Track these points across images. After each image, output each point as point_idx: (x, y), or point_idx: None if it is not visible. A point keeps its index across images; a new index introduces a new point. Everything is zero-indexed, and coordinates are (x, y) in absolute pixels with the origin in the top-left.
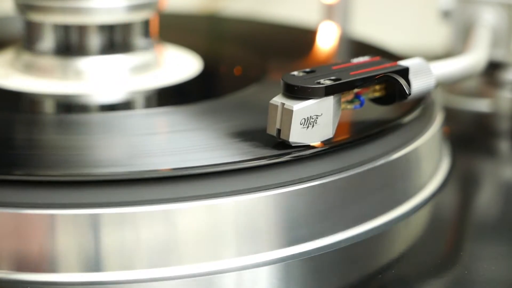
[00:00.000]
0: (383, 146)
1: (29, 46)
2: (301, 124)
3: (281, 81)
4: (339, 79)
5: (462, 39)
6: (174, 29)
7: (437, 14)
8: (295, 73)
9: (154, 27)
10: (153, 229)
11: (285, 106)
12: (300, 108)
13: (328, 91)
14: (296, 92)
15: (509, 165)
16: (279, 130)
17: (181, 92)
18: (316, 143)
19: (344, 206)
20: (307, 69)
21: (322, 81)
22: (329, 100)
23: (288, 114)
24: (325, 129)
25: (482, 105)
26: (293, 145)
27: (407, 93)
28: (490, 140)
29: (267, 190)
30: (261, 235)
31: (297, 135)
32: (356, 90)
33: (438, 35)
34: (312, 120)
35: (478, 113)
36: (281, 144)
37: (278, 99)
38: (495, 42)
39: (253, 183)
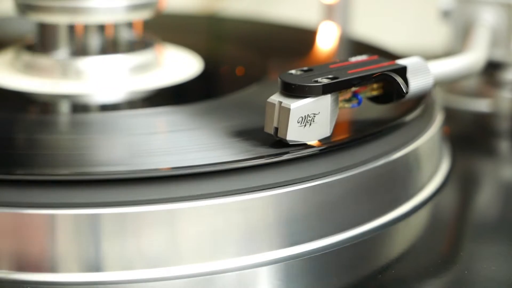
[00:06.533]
0: (383, 146)
1: (29, 46)
2: (298, 122)
3: (279, 80)
4: (337, 78)
5: (462, 39)
6: (174, 29)
7: (437, 14)
8: (293, 71)
9: (154, 27)
10: (153, 229)
11: (282, 105)
12: (297, 106)
13: (325, 90)
14: (293, 90)
15: (509, 165)
16: (276, 129)
17: (181, 92)
18: (313, 141)
19: (344, 206)
20: (305, 68)
21: (319, 79)
22: (327, 99)
23: (285, 112)
24: (323, 128)
25: (482, 105)
26: (290, 143)
27: (404, 92)
28: (490, 140)
29: (268, 190)
30: (261, 235)
31: (294, 133)
32: (353, 89)
33: (438, 35)
34: (310, 118)
35: (478, 113)
36: (280, 143)
37: (275, 98)
38: (495, 42)
39: (253, 183)
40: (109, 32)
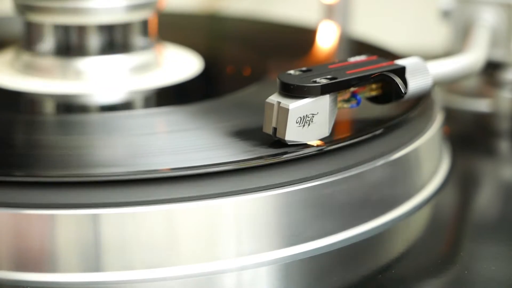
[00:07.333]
0: (383, 146)
1: (28, 46)
2: (297, 122)
3: (277, 80)
4: (335, 78)
5: (462, 39)
6: (174, 29)
7: (437, 14)
8: (292, 72)
9: (154, 26)
10: (153, 229)
11: (281, 105)
12: (296, 106)
13: (324, 90)
14: (292, 91)
15: (509, 165)
16: (275, 129)
17: (181, 92)
18: (311, 142)
19: (344, 206)
20: (304, 68)
21: (318, 80)
22: (325, 99)
23: (284, 112)
24: (321, 128)
25: (482, 105)
26: (289, 143)
27: (403, 92)
28: (490, 140)
29: (267, 190)
30: (261, 235)
31: (293, 133)
32: (352, 89)
33: (438, 35)
34: (308, 119)
35: (478, 113)
36: (279, 144)
37: (274, 98)
38: (495, 42)
39: (253, 183)
40: (109, 32)
